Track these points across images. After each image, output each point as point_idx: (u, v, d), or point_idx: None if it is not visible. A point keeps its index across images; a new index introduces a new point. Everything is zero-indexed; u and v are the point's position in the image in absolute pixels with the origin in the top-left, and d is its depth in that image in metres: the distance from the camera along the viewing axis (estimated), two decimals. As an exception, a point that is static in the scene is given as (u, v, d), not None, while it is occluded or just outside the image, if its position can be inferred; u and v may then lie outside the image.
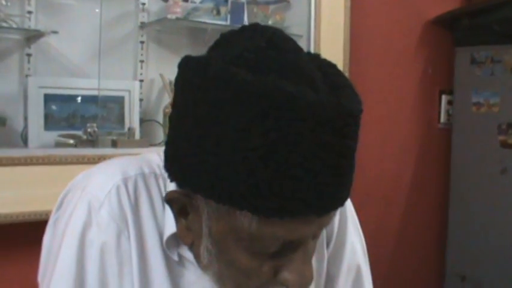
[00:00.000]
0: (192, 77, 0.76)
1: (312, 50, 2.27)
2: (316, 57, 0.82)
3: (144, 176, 0.88)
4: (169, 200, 0.83)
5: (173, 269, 0.88)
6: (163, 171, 0.85)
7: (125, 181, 0.87)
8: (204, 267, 0.85)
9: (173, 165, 0.80)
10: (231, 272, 0.81)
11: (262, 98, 0.69)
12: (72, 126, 1.95)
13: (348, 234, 1.05)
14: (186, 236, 0.84)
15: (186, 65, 0.78)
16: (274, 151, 0.69)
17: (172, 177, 0.81)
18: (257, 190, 0.70)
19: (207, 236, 0.80)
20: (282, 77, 0.71)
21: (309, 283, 0.80)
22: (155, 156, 0.91)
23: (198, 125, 0.74)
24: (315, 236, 0.82)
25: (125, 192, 0.86)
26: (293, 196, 0.70)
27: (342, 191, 0.75)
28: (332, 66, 0.81)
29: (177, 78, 0.80)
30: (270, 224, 0.72)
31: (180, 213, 0.83)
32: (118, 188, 0.86)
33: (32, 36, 1.87)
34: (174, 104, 0.81)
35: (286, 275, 0.79)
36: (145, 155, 0.94)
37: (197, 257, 0.85)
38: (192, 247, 0.86)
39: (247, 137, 0.69)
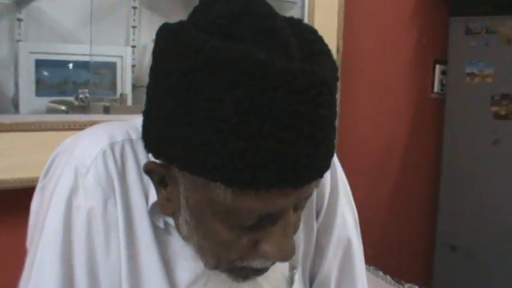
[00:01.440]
0: (164, 45, 0.75)
1: (306, 18, 2.25)
2: (296, 23, 0.80)
3: (131, 142, 0.88)
4: (148, 170, 0.82)
5: (160, 235, 0.88)
6: None
7: (112, 146, 0.86)
8: (185, 238, 0.85)
9: (148, 136, 0.80)
10: (210, 244, 0.80)
11: (233, 66, 0.67)
12: (63, 92, 1.93)
13: (339, 205, 1.04)
14: (166, 206, 0.83)
15: (161, 33, 0.76)
16: (246, 121, 0.67)
17: (148, 148, 0.80)
18: (230, 161, 0.68)
19: (185, 207, 0.79)
20: (255, 44, 0.69)
21: (290, 256, 0.79)
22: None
23: (170, 95, 0.72)
24: (298, 208, 0.81)
25: (112, 157, 0.85)
26: (266, 167, 0.68)
27: (318, 162, 0.73)
28: (311, 32, 0.79)
29: (153, 47, 0.78)
30: (245, 196, 0.71)
31: (160, 183, 0.83)
32: (104, 153, 0.85)
33: (23, 1, 1.84)
34: (150, 73, 0.80)
35: (266, 247, 0.77)
36: (133, 121, 0.92)
37: (177, 227, 0.86)
38: (174, 218, 0.86)
39: (219, 106, 0.68)
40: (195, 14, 0.78)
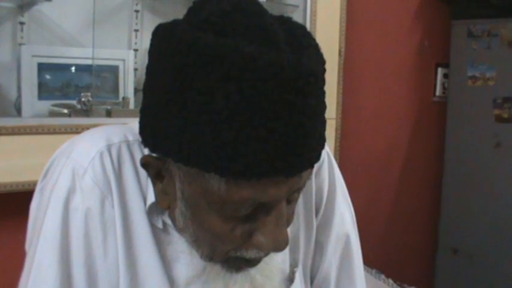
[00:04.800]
0: (159, 42, 0.78)
1: (308, 21, 2.26)
2: (286, 20, 0.82)
3: (128, 143, 0.89)
4: (145, 164, 0.84)
5: (158, 236, 0.89)
6: None
7: (109, 148, 0.88)
8: (180, 230, 0.87)
9: (145, 131, 0.82)
10: (205, 235, 0.81)
11: (223, 60, 0.69)
12: (66, 96, 1.94)
13: (337, 203, 1.06)
14: (162, 199, 0.85)
15: (156, 32, 0.79)
16: (237, 112, 0.70)
17: (145, 143, 0.82)
18: (222, 152, 0.70)
19: (180, 199, 0.81)
20: (245, 39, 0.72)
21: (283, 247, 0.80)
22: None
23: (165, 90, 0.75)
24: (291, 200, 0.82)
25: (109, 158, 0.87)
26: (257, 157, 0.70)
27: (308, 151, 0.75)
28: (300, 27, 0.81)
29: (149, 47, 0.81)
30: (237, 186, 0.73)
31: (156, 177, 0.84)
32: (102, 155, 0.86)
33: (25, 4, 1.85)
34: (146, 71, 0.82)
35: (260, 238, 0.79)
36: (130, 124, 0.94)
37: (173, 220, 0.87)
38: (170, 211, 0.87)
39: (211, 99, 0.70)
40: (189, 13, 0.80)
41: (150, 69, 0.81)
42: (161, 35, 0.78)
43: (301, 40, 0.77)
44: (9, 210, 1.70)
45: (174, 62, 0.73)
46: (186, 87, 0.72)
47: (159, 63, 0.77)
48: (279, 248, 0.80)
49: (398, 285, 2.35)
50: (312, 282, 1.08)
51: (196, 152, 0.72)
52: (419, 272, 3.02)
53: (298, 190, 0.82)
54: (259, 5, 0.78)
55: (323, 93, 0.77)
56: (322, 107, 0.77)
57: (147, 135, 0.81)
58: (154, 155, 0.82)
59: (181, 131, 0.73)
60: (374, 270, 2.31)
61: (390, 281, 2.35)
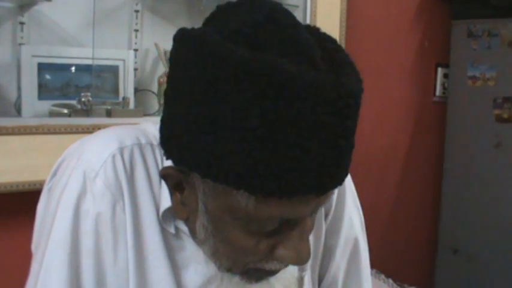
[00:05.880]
0: (187, 52, 0.74)
1: (308, 21, 2.26)
2: (315, 32, 0.80)
3: (140, 146, 0.87)
4: (165, 175, 0.82)
5: (170, 241, 0.87)
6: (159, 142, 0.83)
7: (121, 150, 0.85)
8: (199, 242, 0.85)
9: (169, 143, 0.79)
10: (227, 249, 0.80)
11: (261, 77, 0.67)
12: (66, 96, 1.94)
13: (346, 207, 1.05)
14: (181, 211, 0.83)
15: (182, 39, 0.76)
16: (273, 131, 0.67)
17: (168, 155, 0.80)
18: (254, 170, 0.69)
19: (203, 212, 0.79)
20: (281, 54, 0.69)
21: (306, 260, 0.80)
22: (151, 127, 0.89)
23: (195, 103, 0.72)
24: (313, 212, 0.81)
25: (121, 161, 0.84)
26: (291, 176, 0.69)
27: (341, 170, 0.74)
28: (332, 41, 0.79)
29: (172, 52, 0.78)
30: (267, 203, 0.72)
31: (175, 188, 0.82)
32: (114, 158, 0.84)
33: (25, 4, 1.84)
34: (169, 79, 0.80)
35: (283, 252, 0.78)
36: (142, 125, 0.92)
37: (193, 231, 0.85)
38: (188, 222, 0.85)
39: (245, 116, 0.68)
40: (213, 19, 0.78)
41: (175, 77, 0.77)
42: (189, 43, 0.73)
43: (334, 56, 0.75)
44: (9, 210, 1.71)
45: (206, 74, 0.70)
46: (219, 101, 0.69)
47: (187, 73, 0.73)
48: (302, 261, 0.80)
49: (398, 285, 2.35)
50: (319, 285, 1.07)
51: (226, 169, 0.70)
52: (419, 272, 3.02)
53: (324, 204, 0.82)
54: (292, 16, 0.76)
55: (359, 112, 0.75)
56: (356, 125, 0.75)
57: (171, 147, 0.79)
58: (175, 166, 0.80)
59: (212, 147, 0.70)
60: (374, 270, 2.31)
61: (390, 281, 2.35)
